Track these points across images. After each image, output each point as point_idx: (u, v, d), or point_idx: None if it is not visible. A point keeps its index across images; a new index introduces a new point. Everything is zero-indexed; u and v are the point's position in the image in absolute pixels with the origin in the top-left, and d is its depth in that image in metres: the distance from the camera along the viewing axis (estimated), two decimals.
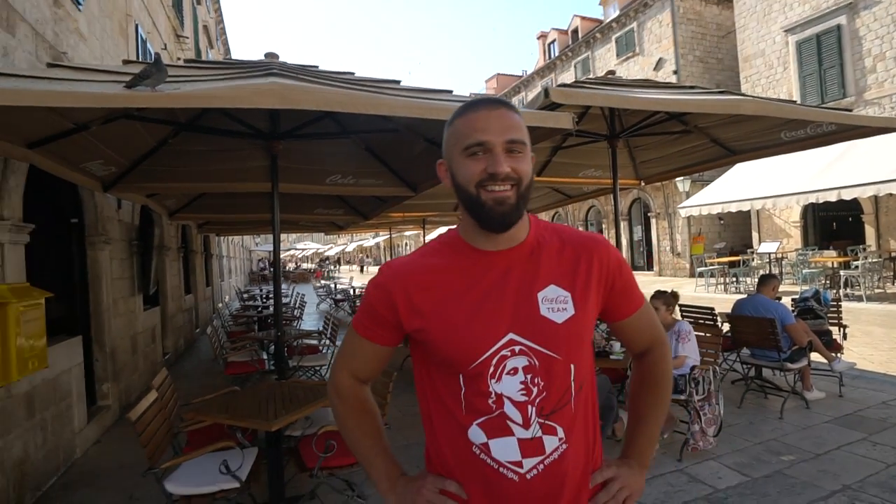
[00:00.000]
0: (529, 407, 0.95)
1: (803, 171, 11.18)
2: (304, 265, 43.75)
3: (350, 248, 42.41)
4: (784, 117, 3.88)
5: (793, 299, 5.66)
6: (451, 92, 3.31)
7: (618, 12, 21.66)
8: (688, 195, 15.64)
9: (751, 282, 13.33)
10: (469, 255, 1.03)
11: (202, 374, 7.03)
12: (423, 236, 13.91)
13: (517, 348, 0.96)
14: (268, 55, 3.60)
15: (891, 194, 9.60)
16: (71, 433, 4.07)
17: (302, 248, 37.99)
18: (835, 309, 5.43)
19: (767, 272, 8.53)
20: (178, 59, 9.14)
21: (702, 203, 13.43)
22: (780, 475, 3.28)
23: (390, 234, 17.89)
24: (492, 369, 0.96)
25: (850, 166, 10.40)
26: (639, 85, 4.24)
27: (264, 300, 11.26)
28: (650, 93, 3.82)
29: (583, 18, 25.84)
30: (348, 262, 51.27)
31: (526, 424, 0.95)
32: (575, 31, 25.98)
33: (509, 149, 0.96)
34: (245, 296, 13.95)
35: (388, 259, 1.17)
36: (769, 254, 14.28)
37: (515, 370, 0.96)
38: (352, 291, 14.03)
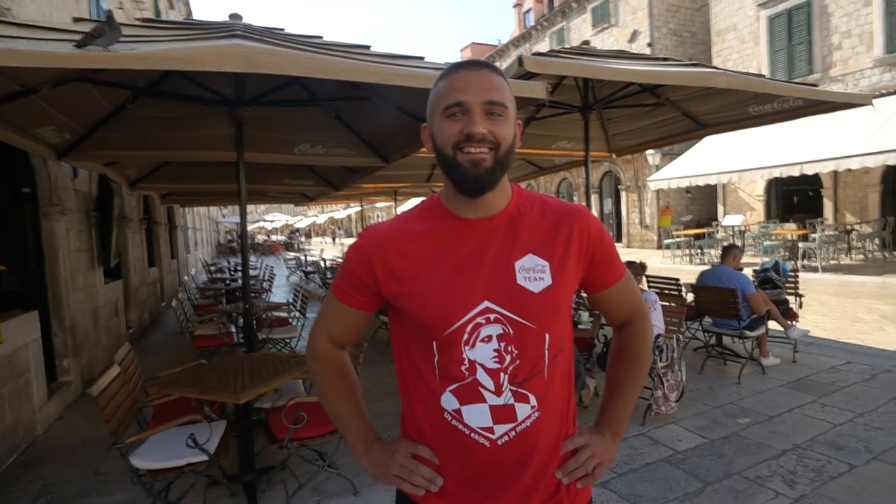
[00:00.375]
0: (502, 374, 0.96)
1: (768, 146, 11.46)
2: (276, 237, 42.98)
3: (321, 219, 41.79)
4: (753, 91, 3.94)
5: (754, 270, 5.86)
6: (423, 58, 3.22)
7: None
8: (657, 168, 15.88)
9: (715, 253, 13.73)
10: (449, 222, 1.02)
11: (168, 348, 6.90)
12: (395, 208, 13.79)
13: (492, 316, 0.96)
14: (231, 16, 3.42)
15: (849, 169, 9.93)
16: (31, 410, 3.95)
17: (271, 219, 37.24)
18: (792, 279, 5.66)
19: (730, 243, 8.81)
20: (135, 19, 8.64)
21: (670, 176, 13.67)
22: (736, 437, 3.45)
23: (361, 206, 17.72)
24: (466, 336, 0.96)
25: (813, 142, 10.71)
26: (613, 56, 4.22)
27: (232, 273, 11.04)
28: (624, 64, 3.80)
29: None
30: (321, 234, 50.64)
31: (498, 392, 0.96)
32: (551, 0, 25.60)
33: (488, 111, 0.95)
34: (212, 268, 13.66)
35: (360, 231, 1.19)
36: (733, 226, 14.71)
37: (489, 338, 0.96)
38: (322, 264, 13.88)
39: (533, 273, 0.98)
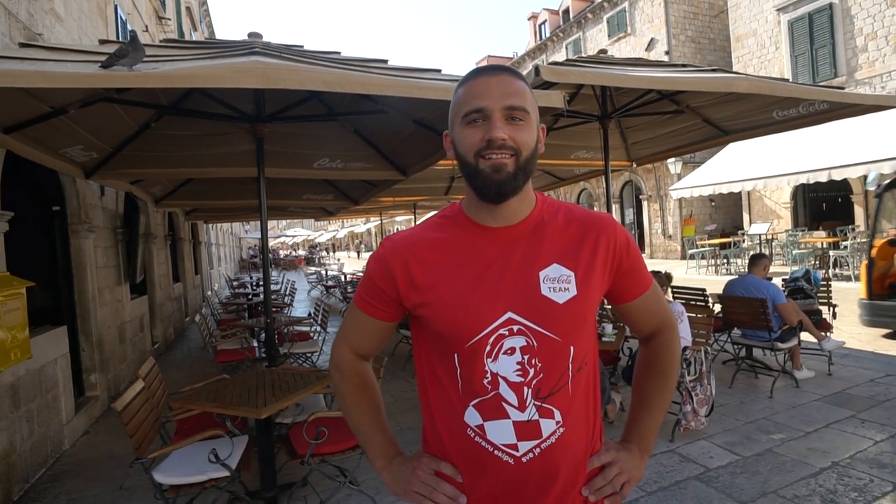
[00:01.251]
0: (525, 389, 0.93)
1: (794, 152, 11.19)
2: (299, 252, 43.50)
3: (341, 234, 42.21)
4: (777, 95, 3.84)
5: (783, 279, 5.69)
6: (439, 71, 3.23)
7: None
8: (679, 177, 15.64)
9: (741, 263, 13.41)
10: (470, 231, 1.00)
11: (192, 363, 6.98)
12: (415, 221, 13.83)
13: (515, 328, 0.94)
14: (251, 35, 3.49)
15: (881, 174, 9.61)
16: (59, 424, 4.01)
17: (292, 234, 37.73)
18: (825, 288, 5.47)
19: (758, 252, 8.48)
20: (160, 40, 8.91)
21: (693, 185, 13.41)
22: (770, 453, 3.31)
23: (381, 220, 17.79)
24: (488, 348, 0.93)
25: (841, 146, 10.41)
26: (631, 63, 4.17)
27: (254, 288, 11.17)
28: (642, 71, 3.76)
29: None
30: (346, 248, 51.25)
31: (521, 407, 0.93)
32: (566, 12, 25.65)
33: (509, 116, 0.92)
34: (235, 284, 13.85)
35: (381, 241, 1.19)
36: (760, 235, 14.36)
37: (513, 350, 0.93)
38: (343, 278, 13.96)
39: (558, 283, 0.95)
